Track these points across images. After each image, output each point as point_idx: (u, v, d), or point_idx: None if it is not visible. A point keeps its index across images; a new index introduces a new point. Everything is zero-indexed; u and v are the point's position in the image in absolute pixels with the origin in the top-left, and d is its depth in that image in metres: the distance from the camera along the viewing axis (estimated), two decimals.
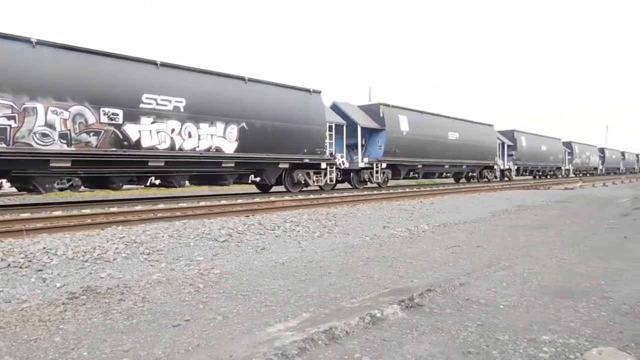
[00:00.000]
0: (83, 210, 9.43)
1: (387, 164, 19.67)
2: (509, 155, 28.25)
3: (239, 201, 12.06)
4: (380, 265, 5.12)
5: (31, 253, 4.96)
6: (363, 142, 19.25)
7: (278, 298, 3.87)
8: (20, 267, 4.56)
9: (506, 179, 30.68)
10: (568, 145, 40.42)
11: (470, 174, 27.03)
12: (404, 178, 21.74)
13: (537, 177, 36.55)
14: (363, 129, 19.05)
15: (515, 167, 27.91)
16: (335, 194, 15.17)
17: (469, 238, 7.07)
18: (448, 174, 25.53)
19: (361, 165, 18.62)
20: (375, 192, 17.12)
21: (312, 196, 14.17)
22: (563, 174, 37.73)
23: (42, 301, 3.77)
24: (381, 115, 19.53)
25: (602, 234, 7.38)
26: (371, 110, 19.86)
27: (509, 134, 29.67)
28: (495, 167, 28.57)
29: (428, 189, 19.32)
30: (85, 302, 3.77)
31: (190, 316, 3.41)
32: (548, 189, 20.07)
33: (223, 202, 11.86)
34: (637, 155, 66.00)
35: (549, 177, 36.73)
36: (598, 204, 13.09)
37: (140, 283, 4.34)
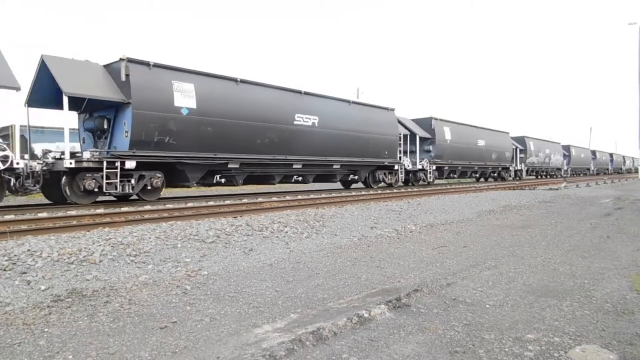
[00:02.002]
0: (69, 212, 9.31)
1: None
2: (426, 152, 23.91)
3: (227, 202, 12.01)
4: (368, 266, 5.15)
5: (15, 255, 4.88)
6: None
7: (266, 299, 3.87)
8: (4, 270, 4.49)
9: (518, 178, 34.35)
10: (520, 140, 35.67)
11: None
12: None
13: (480, 180, 31.62)
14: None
15: (434, 168, 23.60)
16: (324, 195, 15.21)
17: (455, 238, 7.13)
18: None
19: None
20: (363, 192, 17.22)
21: (299, 197, 14.18)
22: (512, 175, 33.54)
23: (26, 304, 3.72)
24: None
25: (586, 233, 7.49)
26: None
27: (427, 123, 24.22)
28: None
29: (415, 190, 19.46)
30: (71, 304, 3.73)
31: (177, 318, 3.40)
32: (533, 189, 20.32)
33: (211, 203, 11.80)
34: (610, 154, 65.76)
35: (490, 179, 31.85)
36: (581, 204, 13.28)
37: (126, 285, 4.31)
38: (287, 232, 7.33)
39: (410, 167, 22.40)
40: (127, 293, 4.07)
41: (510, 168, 33.12)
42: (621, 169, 68.75)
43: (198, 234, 6.61)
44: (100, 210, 9.49)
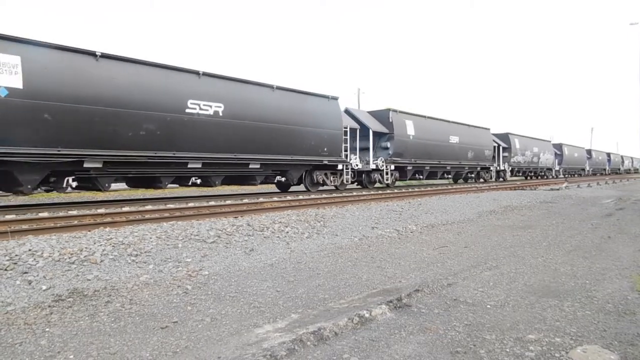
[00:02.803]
0: (70, 212, 9.32)
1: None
2: (383, 149, 20.71)
3: (228, 202, 12.02)
4: (369, 266, 5.15)
5: (16, 255, 4.89)
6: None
7: (267, 299, 3.87)
8: (5, 270, 4.50)
9: (501, 179, 31.27)
10: (504, 138, 32.51)
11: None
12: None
13: (459, 181, 28.25)
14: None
15: (392, 168, 20.25)
16: (325, 195, 15.20)
17: (456, 238, 7.13)
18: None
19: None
20: (364, 192, 17.20)
21: (300, 197, 14.18)
22: (493, 176, 30.06)
23: (27, 304, 3.72)
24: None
25: (587, 234, 7.49)
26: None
27: (384, 116, 20.81)
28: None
29: (417, 190, 19.42)
30: (72, 304, 3.73)
31: (178, 318, 3.40)
32: (534, 190, 20.30)
33: (211, 203, 11.81)
34: (608, 154, 62.59)
35: (469, 180, 28.72)
36: (582, 204, 13.27)
37: (127, 285, 4.31)
38: (288, 232, 7.33)
39: (360, 167, 18.95)
40: (128, 293, 4.08)
41: (492, 168, 29.60)
42: (619, 169, 66.33)
43: (199, 233, 6.62)
44: (102, 210, 9.51)
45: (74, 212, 9.18)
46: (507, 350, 2.72)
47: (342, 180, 17.92)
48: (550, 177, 39.90)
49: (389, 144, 20.54)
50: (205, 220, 8.21)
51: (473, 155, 26.67)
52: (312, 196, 14.63)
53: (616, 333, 2.98)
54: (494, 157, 29.94)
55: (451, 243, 6.68)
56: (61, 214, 8.93)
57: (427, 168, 23.02)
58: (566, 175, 43.61)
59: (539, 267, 5.04)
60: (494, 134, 30.88)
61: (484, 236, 7.32)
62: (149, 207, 10.58)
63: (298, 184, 17.02)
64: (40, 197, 16.90)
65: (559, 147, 43.77)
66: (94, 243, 5.67)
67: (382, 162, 19.92)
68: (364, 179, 19.95)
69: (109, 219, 8.24)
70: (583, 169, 50.41)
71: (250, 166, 14.21)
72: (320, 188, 17.75)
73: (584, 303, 3.65)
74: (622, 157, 70.09)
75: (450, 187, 22.42)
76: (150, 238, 6.16)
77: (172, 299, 3.92)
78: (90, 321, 3.35)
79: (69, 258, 4.98)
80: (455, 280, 4.42)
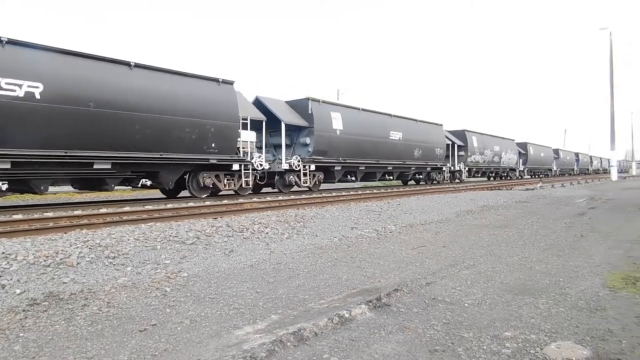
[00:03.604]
0: (45, 214, 9.13)
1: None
2: (303, 146, 17.63)
3: (207, 203, 11.93)
4: (349, 266, 5.18)
5: None
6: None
7: (246, 300, 3.86)
8: None
9: (457, 180, 28.96)
10: (460, 135, 29.58)
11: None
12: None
13: (409, 182, 26.49)
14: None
15: (313, 168, 17.17)
16: (304, 195, 15.21)
17: (434, 238, 7.22)
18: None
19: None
20: (343, 193, 17.25)
21: (280, 198, 14.16)
22: (446, 177, 27.27)
23: (0, 308, 3.63)
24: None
25: (561, 232, 7.66)
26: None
27: (304, 106, 17.62)
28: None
29: (395, 190, 19.55)
30: (47, 308, 3.66)
31: (157, 320, 3.37)
32: (510, 190, 20.70)
33: (190, 204, 11.70)
34: (576, 154, 62.15)
35: (422, 182, 26.26)
36: (556, 204, 13.57)
37: (105, 288, 4.24)
38: (267, 233, 7.31)
39: (267, 167, 15.95)
40: (105, 296, 4.02)
41: (444, 168, 26.92)
42: (588, 169, 65.53)
43: (178, 235, 6.55)
44: (78, 212, 9.33)
45: (50, 214, 8.99)
46: (485, 347, 2.78)
47: (241, 184, 14.88)
48: (515, 177, 38.21)
49: (308, 140, 17.38)
50: (184, 221, 8.14)
51: (421, 153, 23.78)
52: (292, 197, 14.60)
53: (588, 329, 3.07)
54: (447, 156, 27.38)
55: (430, 243, 6.76)
56: (36, 215, 8.73)
57: (361, 168, 20.06)
58: (541, 176, 42.61)
59: (515, 265, 5.14)
60: (449, 131, 28.68)
61: (462, 235, 7.43)
62: (126, 208, 10.43)
63: (178, 189, 14.54)
64: (15, 198, 16.51)
65: (523, 146, 41.31)
66: (70, 245, 5.56)
67: (298, 161, 16.74)
68: (276, 181, 17.08)
69: (85, 221, 8.10)
70: (550, 169, 48.68)
71: (95, 166, 11.06)
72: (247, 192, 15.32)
73: (558, 300, 3.74)
74: (590, 157, 69.78)
75: (429, 187, 22.60)
76: (128, 240, 6.08)
77: (150, 301, 3.88)
78: (67, 325, 3.29)
79: (44, 261, 4.87)
80: (434, 280, 4.48)
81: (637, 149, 75.82)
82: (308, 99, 17.52)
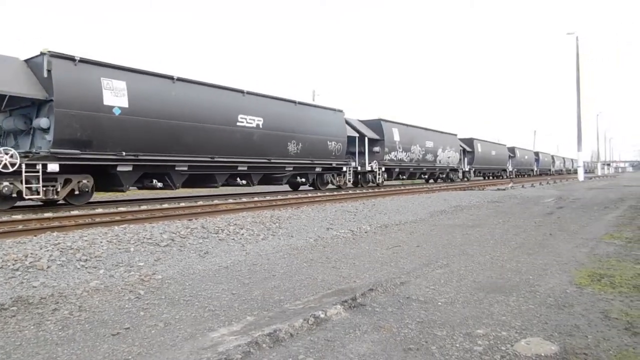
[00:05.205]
0: (14, 216, 8.85)
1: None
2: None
3: (182, 204, 11.79)
4: (324, 267, 5.20)
5: None
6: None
7: (222, 302, 3.84)
8: None
9: (372, 183, 23.84)
10: (375, 127, 23.94)
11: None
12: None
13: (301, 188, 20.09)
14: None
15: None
16: (280, 197, 15.19)
17: (409, 238, 7.31)
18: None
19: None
20: (319, 193, 17.35)
21: (256, 199, 14.11)
22: (349, 178, 21.55)
23: None
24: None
25: (530, 231, 7.86)
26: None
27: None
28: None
29: (370, 191, 19.77)
30: (16, 313, 3.56)
31: (130, 324, 3.32)
32: (482, 190, 21.14)
33: (165, 205, 11.55)
34: (536, 153, 57.86)
35: (368, 188, 22.32)
36: (526, 203, 13.91)
37: (76, 291, 4.16)
38: (243, 234, 7.28)
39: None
40: (77, 299, 3.94)
41: (345, 168, 21.05)
42: (550, 170, 61.74)
43: (152, 237, 6.47)
44: (49, 215, 9.09)
45: (19, 217, 8.73)
46: (457, 345, 2.84)
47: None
48: (457, 179, 33.35)
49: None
50: (159, 223, 8.03)
51: (301, 148, 17.93)
52: (268, 197, 14.60)
53: (556, 325, 3.17)
54: (353, 152, 22.12)
55: (404, 243, 6.85)
56: (4, 218, 8.47)
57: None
58: (469, 178, 36.26)
59: (486, 264, 5.25)
60: (360, 121, 23.76)
61: (435, 235, 7.55)
62: (99, 210, 10.22)
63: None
64: None
65: (469, 142, 35.69)
66: (41, 248, 5.43)
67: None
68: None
69: (56, 223, 7.91)
70: (504, 170, 43.57)
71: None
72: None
73: (527, 297, 3.85)
74: (552, 157, 66.47)
75: (403, 187, 22.95)
76: (101, 242, 5.97)
77: (124, 304, 3.82)
78: (36, 330, 3.22)
79: (13, 264, 4.75)
80: (408, 279, 4.54)
81: (602, 150, 77.00)
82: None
